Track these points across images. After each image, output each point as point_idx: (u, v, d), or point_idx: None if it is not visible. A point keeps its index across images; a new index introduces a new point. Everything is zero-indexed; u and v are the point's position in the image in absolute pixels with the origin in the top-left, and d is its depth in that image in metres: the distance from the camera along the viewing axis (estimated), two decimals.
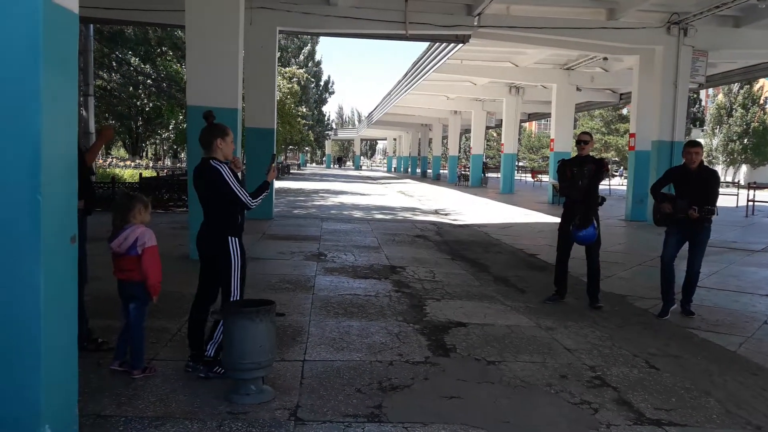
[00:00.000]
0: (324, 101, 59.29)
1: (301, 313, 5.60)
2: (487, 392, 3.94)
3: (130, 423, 3.27)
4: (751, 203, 19.09)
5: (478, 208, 19.09)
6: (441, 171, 44.61)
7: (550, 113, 24.33)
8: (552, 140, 22.07)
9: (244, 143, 12.97)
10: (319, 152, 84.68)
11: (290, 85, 29.88)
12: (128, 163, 33.04)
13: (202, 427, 3.26)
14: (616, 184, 30.21)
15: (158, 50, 24.70)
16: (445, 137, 45.33)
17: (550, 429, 3.44)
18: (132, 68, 24.84)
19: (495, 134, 60.26)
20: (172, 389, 3.76)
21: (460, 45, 15.48)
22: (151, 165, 34.05)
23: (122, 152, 44.10)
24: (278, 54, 17.51)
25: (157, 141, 39.79)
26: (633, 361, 4.69)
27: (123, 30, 23.08)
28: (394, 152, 71.47)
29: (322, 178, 41.40)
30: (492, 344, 4.94)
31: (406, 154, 58.79)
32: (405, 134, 58.16)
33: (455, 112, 35.50)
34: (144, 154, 42.43)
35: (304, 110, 34.82)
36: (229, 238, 3.96)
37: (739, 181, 35.89)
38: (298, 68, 37.78)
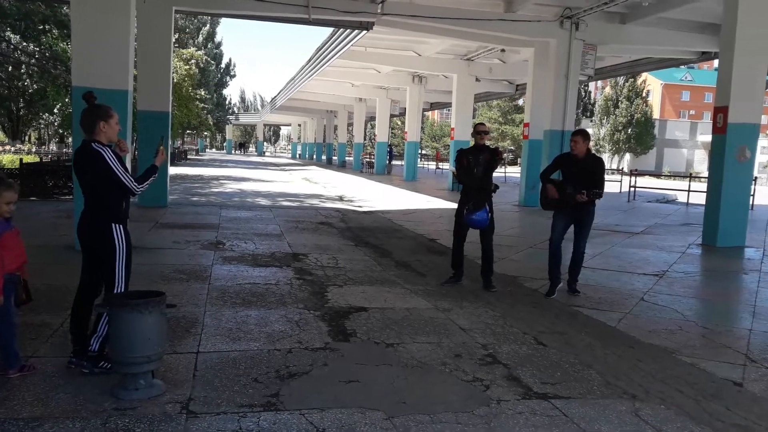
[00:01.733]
0: (225, 84, 57.31)
1: (196, 304, 5.42)
2: (385, 374, 4.00)
3: (2, 425, 3.03)
4: (633, 189, 20.52)
5: (382, 194, 19.29)
6: (346, 158, 44.61)
7: (451, 103, 24.90)
8: (452, 129, 22.63)
9: (136, 127, 12.34)
10: (219, 137, 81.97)
11: (188, 67, 28.65)
12: (8, 147, 30.51)
13: (84, 426, 3.08)
14: (511, 171, 31.50)
15: (42, 27, 22.84)
16: (350, 124, 45.32)
17: (444, 407, 3.53)
18: (12, 46, 22.84)
19: (399, 122, 60.95)
20: (52, 387, 3.53)
21: (364, 32, 15.47)
22: (34, 150, 31.65)
23: (1, 136, 40.65)
24: (176, 35, 16.72)
25: (42, 125, 36.95)
26: (523, 338, 4.92)
27: (0, 4, 21.19)
28: (299, 138, 70.65)
29: (222, 164, 40.23)
30: (391, 327, 5.02)
31: (312, 140, 58.29)
32: (310, 120, 57.59)
33: (360, 99, 35.57)
34: (26, 138, 39.27)
35: (203, 93, 33.49)
36: (113, 225, 3.74)
37: (623, 168, 38.44)
38: (196, 50, 36.29)
